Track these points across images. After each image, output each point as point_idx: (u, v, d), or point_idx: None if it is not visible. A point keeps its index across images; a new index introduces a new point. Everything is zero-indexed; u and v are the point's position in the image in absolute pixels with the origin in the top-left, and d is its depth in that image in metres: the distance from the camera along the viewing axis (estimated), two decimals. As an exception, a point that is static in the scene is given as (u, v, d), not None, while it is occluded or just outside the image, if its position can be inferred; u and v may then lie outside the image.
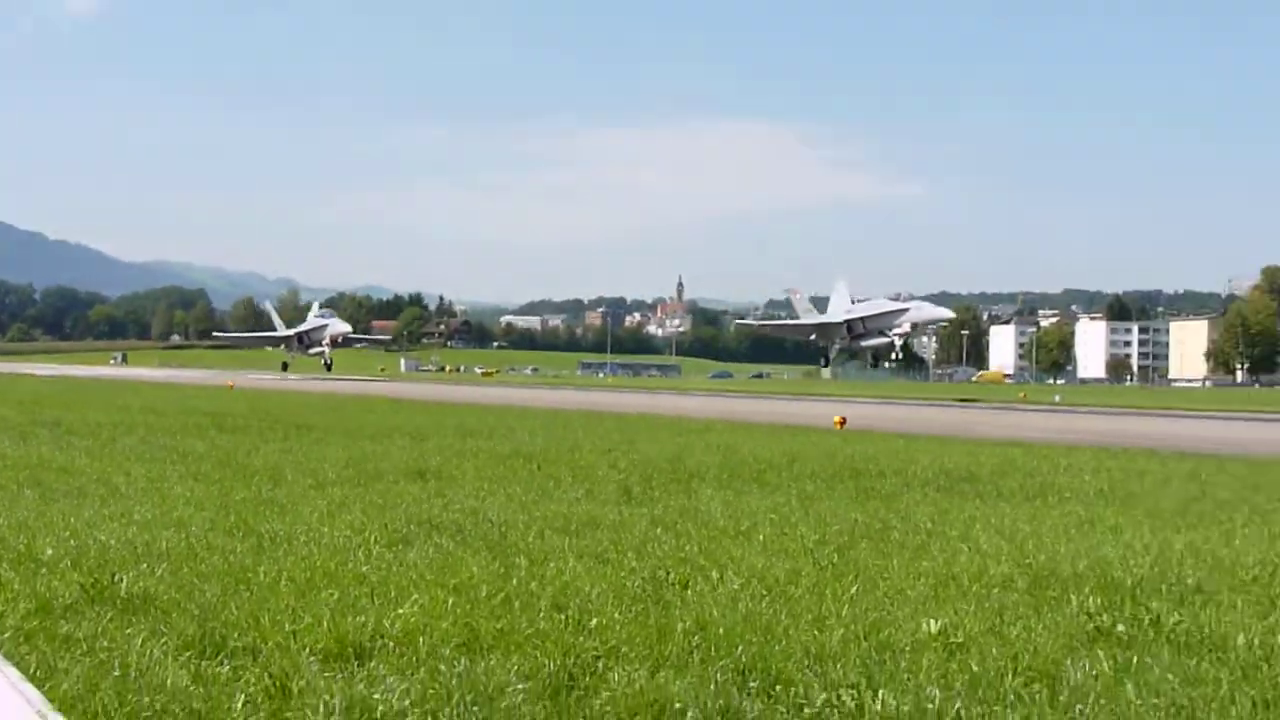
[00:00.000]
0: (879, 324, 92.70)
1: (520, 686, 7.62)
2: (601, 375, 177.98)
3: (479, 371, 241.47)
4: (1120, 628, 9.46)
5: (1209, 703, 7.47)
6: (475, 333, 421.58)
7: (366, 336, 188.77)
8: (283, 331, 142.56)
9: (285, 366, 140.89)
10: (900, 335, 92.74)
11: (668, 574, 11.62)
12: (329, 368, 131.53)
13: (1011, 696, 7.58)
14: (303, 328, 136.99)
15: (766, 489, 20.44)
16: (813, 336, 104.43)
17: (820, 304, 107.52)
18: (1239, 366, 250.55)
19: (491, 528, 14.67)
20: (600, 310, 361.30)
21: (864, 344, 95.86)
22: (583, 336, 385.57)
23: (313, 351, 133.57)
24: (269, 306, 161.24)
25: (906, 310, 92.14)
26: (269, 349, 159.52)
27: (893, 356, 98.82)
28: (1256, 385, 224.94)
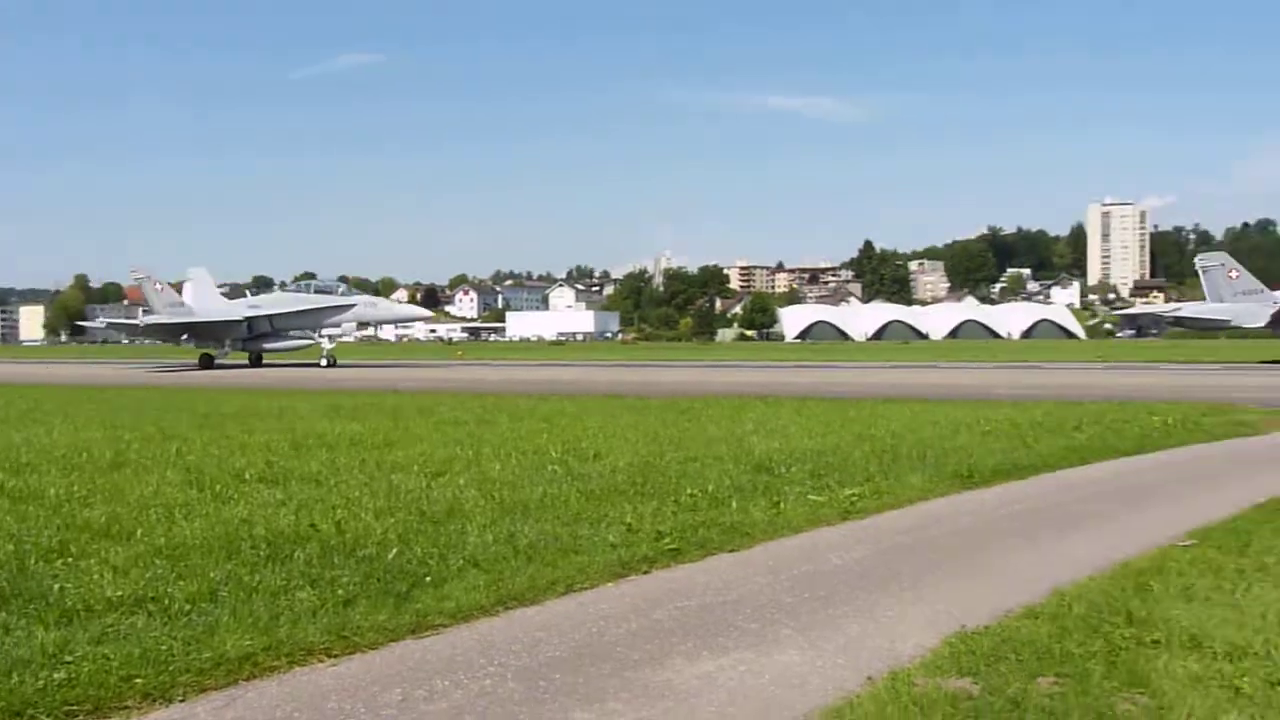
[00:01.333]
0: None
1: None
2: None
3: None
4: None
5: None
6: None
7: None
8: (170, 320, 49.29)
9: (211, 361, 47.34)
10: None
11: None
12: (332, 364, 44.73)
13: None
14: (243, 313, 48.17)
15: None
16: None
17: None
18: (65, 332, 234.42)
19: None
20: None
21: None
22: None
23: (277, 345, 48.09)
24: (153, 284, 47.12)
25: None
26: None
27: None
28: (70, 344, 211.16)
